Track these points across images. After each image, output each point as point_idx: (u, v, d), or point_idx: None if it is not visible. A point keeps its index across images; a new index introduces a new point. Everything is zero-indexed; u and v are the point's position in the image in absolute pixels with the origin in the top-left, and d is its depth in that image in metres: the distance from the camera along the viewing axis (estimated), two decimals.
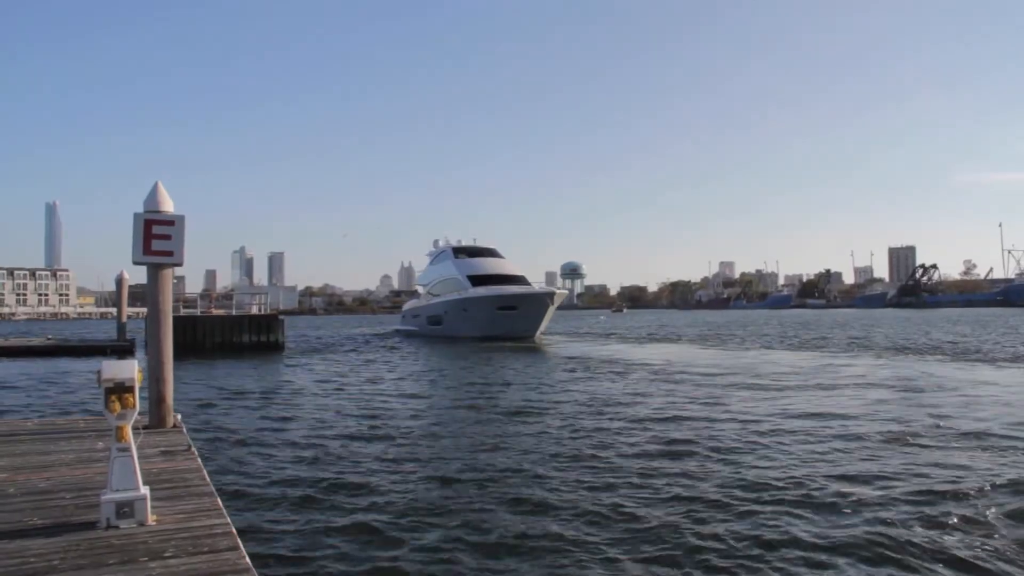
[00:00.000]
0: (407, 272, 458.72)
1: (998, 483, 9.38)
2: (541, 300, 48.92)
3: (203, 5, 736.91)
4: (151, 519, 5.07)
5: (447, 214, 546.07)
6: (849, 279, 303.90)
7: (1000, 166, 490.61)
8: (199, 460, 7.22)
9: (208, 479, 6.46)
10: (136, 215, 8.53)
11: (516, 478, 10.18)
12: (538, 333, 50.31)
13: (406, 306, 74.74)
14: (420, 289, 69.59)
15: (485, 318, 48.88)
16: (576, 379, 24.08)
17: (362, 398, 19.61)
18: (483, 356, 34.95)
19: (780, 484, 9.58)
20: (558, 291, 50.52)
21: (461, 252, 58.81)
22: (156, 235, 8.53)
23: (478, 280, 52.48)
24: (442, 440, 13.21)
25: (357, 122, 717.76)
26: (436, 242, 66.18)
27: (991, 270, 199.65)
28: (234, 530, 4.96)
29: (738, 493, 9.18)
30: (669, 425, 14.38)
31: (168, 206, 8.72)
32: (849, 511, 8.34)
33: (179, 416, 9.33)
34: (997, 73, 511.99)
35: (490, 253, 59.40)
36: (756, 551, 7.19)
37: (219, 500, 5.74)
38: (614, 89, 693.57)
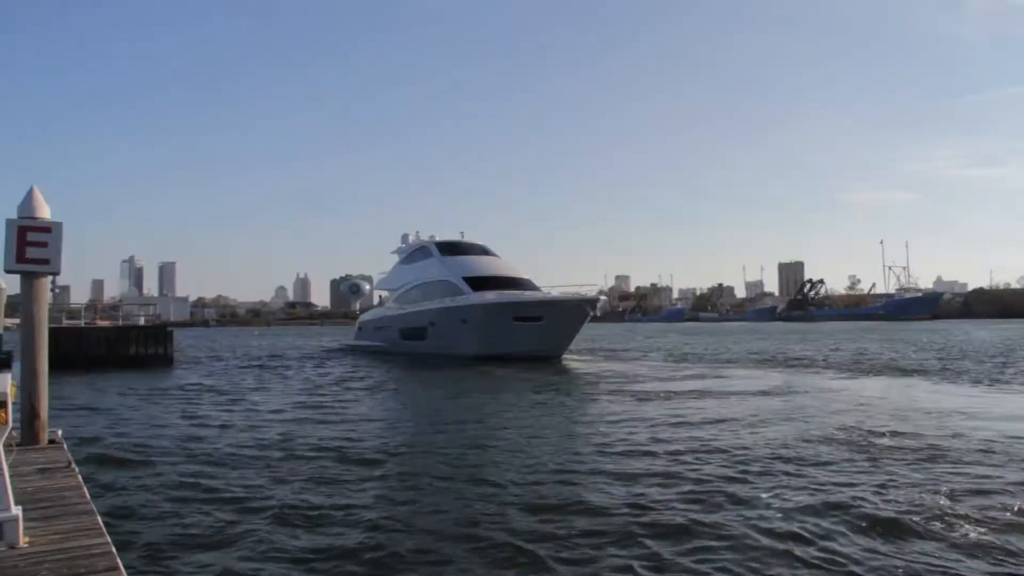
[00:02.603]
0: (303, 283, 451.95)
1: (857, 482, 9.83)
2: (577, 309, 38.83)
3: (98, 4, 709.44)
4: (23, 541, 4.81)
5: (344, 227, 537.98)
6: (741, 293, 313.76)
7: (882, 186, 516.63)
8: (79, 477, 6.91)
9: (89, 497, 6.19)
10: (9, 221, 8.19)
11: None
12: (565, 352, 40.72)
13: (366, 316, 60.46)
14: (385, 295, 57.74)
15: (495, 331, 38.57)
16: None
17: (262, 422, 19.10)
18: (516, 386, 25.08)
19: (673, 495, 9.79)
20: (601, 297, 40.56)
21: (447, 249, 47.44)
22: (31, 242, 8.20)
23: (478, 283, 42.02)
24: (373, 458, 12.95)
25: (251, 129, 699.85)
26: (406, 237, 55.28)
27: (874, 285, 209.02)
28: (114, 550, 4.75)
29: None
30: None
31: (44, 212, 8.39)
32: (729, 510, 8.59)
33: (60, 432, 8.96)
34: (879, 96, 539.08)
35: (483, 251, 48.05)
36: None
37: (99, 519, 5.50)
38: (510, 107, 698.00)
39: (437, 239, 49.56)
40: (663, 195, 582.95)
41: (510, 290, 41.02)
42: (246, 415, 18.67)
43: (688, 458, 12.04)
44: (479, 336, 39.45)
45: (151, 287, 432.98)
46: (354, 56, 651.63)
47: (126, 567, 4.51)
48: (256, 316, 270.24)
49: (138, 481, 10.82)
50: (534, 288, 42.86)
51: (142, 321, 45.68)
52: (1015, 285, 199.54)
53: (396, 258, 55.57)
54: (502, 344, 38.00)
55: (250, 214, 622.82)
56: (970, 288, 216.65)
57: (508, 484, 10.38)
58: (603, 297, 40.04)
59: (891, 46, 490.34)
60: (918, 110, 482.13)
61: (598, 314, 38.69)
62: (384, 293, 57.46)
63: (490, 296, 39.87)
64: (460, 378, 29.13)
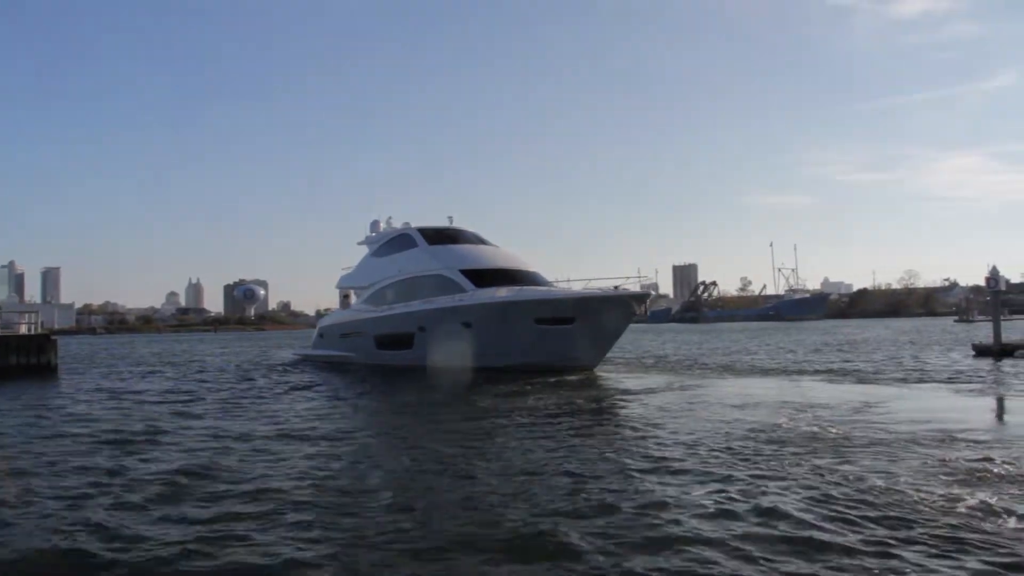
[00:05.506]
0: (195, 289, 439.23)
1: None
2: (622, 308, 30.53)
3: None
4: None
5: (237, 231, 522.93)
6: None
7: (774, 190, 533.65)
8: None
9: None
10: None
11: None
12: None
13: (327, 320, 49.90)
14: (353, 296, 47.24)
15: (510, 336, 30.79)
16: None
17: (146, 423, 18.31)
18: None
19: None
20: (651, 292, 30.42)
21: (435, 237, 38.70)
22: None
23: (481, 277, 34.03)
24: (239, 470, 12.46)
25: (137, 129, 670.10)
26: (375, 224, 45.58)
27: (764, 287, 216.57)
28: None
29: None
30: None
31: None
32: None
33: None
34: (774, 103, 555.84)
35: (478, 239, 39.54)
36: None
37: None
38: (398, 109, 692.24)
39: (403, 227, 41.71)
40: (557, 197, 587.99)
41: (516, 286, 33.04)
42: (131, 428, 17.67)
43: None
44: (487, 343, 31.36)
45: (33, 294, 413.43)
46: (228, 58, 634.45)
47: None
48: (147, 323, 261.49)
49: (4, 495, 10.23)
50: (547, 284, 35.53)
51: (24, 329, 43.37)
52: (896, 285, 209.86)
53: (365, 250, 45.88)
54: (518, 353, 30.68)
55: (138, 217, 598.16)
56: (855, 288, 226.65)
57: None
58: (652, 292, 28.78)
59: (784, 57, 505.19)
60: (812, 117, 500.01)
61: (646, 314, 31.31)
62: (350, 293, 47.86)
63: (502, 293, 31.97)
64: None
